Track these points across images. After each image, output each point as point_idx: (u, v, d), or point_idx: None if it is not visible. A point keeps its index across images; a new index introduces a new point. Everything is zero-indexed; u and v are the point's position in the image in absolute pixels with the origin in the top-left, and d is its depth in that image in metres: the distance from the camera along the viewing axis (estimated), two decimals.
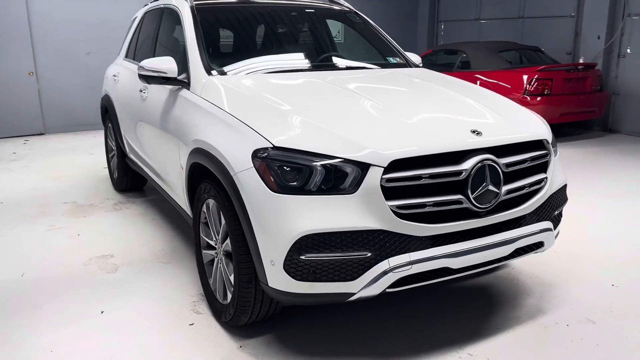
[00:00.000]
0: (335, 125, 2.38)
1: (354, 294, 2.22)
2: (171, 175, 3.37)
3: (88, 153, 6.91)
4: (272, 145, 2.26)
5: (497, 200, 2.35)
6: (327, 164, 2.18)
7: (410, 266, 2.20)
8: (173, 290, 3.14)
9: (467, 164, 2.27)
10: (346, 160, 2.18)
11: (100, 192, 5.16)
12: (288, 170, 2.21)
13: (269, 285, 2.29)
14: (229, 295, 2.64)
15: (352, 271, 2.19)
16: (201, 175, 2.86)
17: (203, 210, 2.84)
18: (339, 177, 2.18)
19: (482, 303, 2.96)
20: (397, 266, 2.18)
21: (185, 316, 2.85)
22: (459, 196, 2.27)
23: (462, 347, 2.54)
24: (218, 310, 2.76)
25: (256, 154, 2.28)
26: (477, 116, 2.64)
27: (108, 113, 5.03)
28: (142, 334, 2.70)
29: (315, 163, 2.19)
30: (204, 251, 2.92)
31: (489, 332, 2.67)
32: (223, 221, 2.58)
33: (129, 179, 4.97)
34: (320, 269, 2.20)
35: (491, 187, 2.30)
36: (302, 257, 2.18)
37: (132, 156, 4.53)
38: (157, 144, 3.57)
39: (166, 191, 3.67)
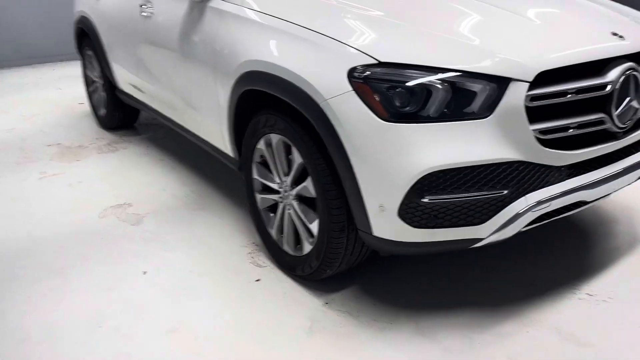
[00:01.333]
0: (452, 31, 1.92)
1: (482, 239, 1.86)
2: (200, 109, 2.84)
3: (55, 88, 6.12)
4: (376, 61, 1.79)
5: (636, 117, 1.99)
6: (452, 80, 1.74)
7: (549, 203, 1.84)
8: (219, 240, 2.71)
9: (612, 75, 1.88)
10: (477, 75, 1.74)
11: (85, 132, 4.52)
12: (400, 92, 1.76)
13: (374, 234, 1.90)
14: (306, 246, 2.23)
15: (483, 213, 1.81)
16: (254, 106, 2.36)
17: (259, 147, 2.36)
18: (467, 98, 1.75)
19: (573, 238, 2.67)
20: (536, 203, 1.82)
21: (247, 270, 2.44)
22: (602, 115, 1.89)
23: (576, 287, 2.26)
24: (289, 264, 2.36)
25: (354, 74, 1.81)
26: (612, 20, 2.23)
27: (87, 39, 4.31)
28: (204, 295, 2.29)
29: (436, 80, 1.74)
30: (260, 196, 2.47)
31: (596, 268, 2.39)
32: (297, 160, 2.13)
33: (121, 115, 4.35)
34: (443, 213, 1.81)
35: (634, 103, 1.93)
36: (424, 200, 1.78)
37: (125, 89, 3.91)
38: (174, 73, 2.99)
39: (187, 128, 3.13)
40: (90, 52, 4.38)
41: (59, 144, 4.25)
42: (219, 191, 3.27)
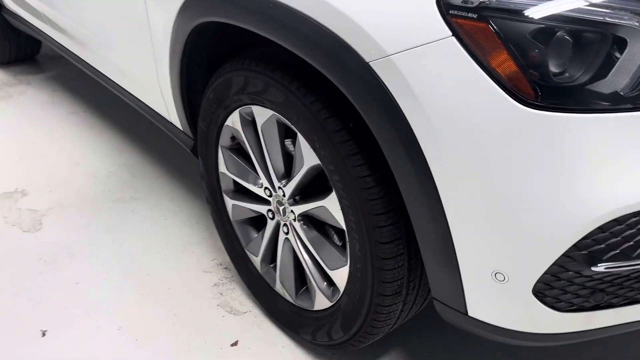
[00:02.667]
0: None
1: None
2: (123, 47, 1.76)
3: None
4: None
5: None
6: None
7: None
8: (164, 261, 1.73)
9: None
10: None
11: None
12: (569, 43, 0.80)
13: (470, 314, 1.00)
14: (320, 299, 1.31)
15: None
16: (219, 49, 1.35)
17: (229, 124, 1.37)
18: None
19: None
20: None
21: (214, 323, 1.51)
22: None
23: None
24: (286, 316, 1.44)
25: (457, 3, 0.83)
26: None
27: None
28: None
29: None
30: (233, 202, 1.49)
31: None
32: (306, 159, 1.16)
33: (15, 45, 3.12)
34: (616, 286, 0.93)
35: None
36: (597, 269, 0.87)
37: (15, 9, 2.69)
38: None
39: (107, 75, 2.04)
40: None
41: None
42: (161, 165, 2.25)
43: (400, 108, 0.89)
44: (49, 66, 3.28)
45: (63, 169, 2.22)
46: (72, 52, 2.26)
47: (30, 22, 2.58)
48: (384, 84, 0.90)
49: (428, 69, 0.86)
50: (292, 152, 1.23)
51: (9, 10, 2.81)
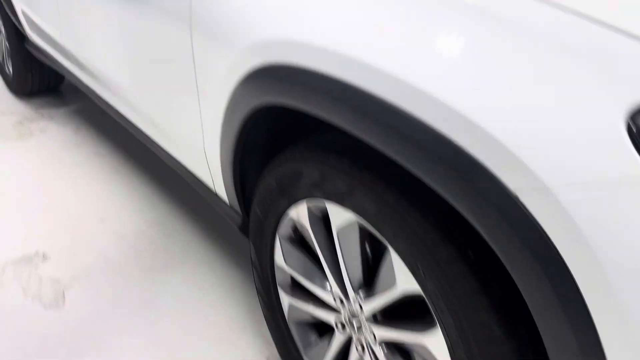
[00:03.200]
0: None
1: None
2: (167, 105, 1.54)
3: None
4: None
5: None
6: None
7: None
8: (205, 349, 1.50)
9: None
10: None
11: None
12: None
13: None
14: None
15: None
16: (280, 129, 1.13)
17: (293, 216, 1.13)
18: None
19: None
20: None
21: None
22: None
23: None
24: None
25: None
26: None
27: None
28: None
29: None
30: (290, 300, 1.26)
31: None
32: (399, 283, 0.93)
33: (38, 77, 2.94)
34: None
35: None
36: None
37: (40, 44, 2.51)
38: (117, 32, 1.65)
39: (142, 130, 1.83)
40: None
41: None
42: (198, 223, 2.03)
43: (566, 264, 0.65)
44: (72, 98, 3.09)
45: (88, 226, 2.01)
46: (100, 97, 2.06)
47: (56, 58, 2.40)
48: (540, 228, 0.66)
49: (608, 212, 0.62)
50: (377, 266, 1.00)
51: (32, 42, 2.63)
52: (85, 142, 2.62)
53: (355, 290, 1.05)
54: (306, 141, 1.06)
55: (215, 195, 1.47)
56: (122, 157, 2.47)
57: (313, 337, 1.28)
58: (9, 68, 3.03)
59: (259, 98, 1.03)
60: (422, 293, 0.88)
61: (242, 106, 1.10)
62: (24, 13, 2.48)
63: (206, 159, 1.40)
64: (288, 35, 0.94)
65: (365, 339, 1.08)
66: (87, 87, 2.16)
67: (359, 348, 1.11)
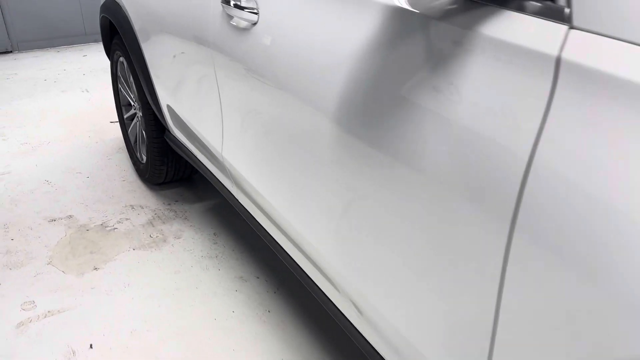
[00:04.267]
0: None
1: None
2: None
3: (80, 89, 4.38)
4: None
5: None
6: None
7: None
8: None
9: None
10: None
11: (115, 188, 2.77)
12: None
13: None
14: None
15: None
16: None
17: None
18: None
19: None
20: None
21: None
22: None
23: None
24: None
25: None
26: None
27: (118, 37, 2.50)
28: None
29: None
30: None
31: None
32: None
33: (173, 167, 2.57)
34: None
35: None
36: None
37: (185, 140, 2.12)
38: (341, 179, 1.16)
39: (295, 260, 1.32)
40: (123, 59, 2.57)
41: (69, 216, 2.51)
42: None
43: None
44: (207, 191, 2.70)
45: None
46: (253, 216, 1.59)
47: (204, 163, 1.98)
48: None
49: None
50: None
51: (173, 137, 2.26)
52: (225, 257, 2.18)
53: None
54: None
55: None
56: (273, 284, 1.99)
57: None
58: (142, 155, 2.70)
59: None
60: None
61: None
62: (169, 108, 2.11)
63: None
64: None
65: None
66: (234, 199, 1.70)
67: None
